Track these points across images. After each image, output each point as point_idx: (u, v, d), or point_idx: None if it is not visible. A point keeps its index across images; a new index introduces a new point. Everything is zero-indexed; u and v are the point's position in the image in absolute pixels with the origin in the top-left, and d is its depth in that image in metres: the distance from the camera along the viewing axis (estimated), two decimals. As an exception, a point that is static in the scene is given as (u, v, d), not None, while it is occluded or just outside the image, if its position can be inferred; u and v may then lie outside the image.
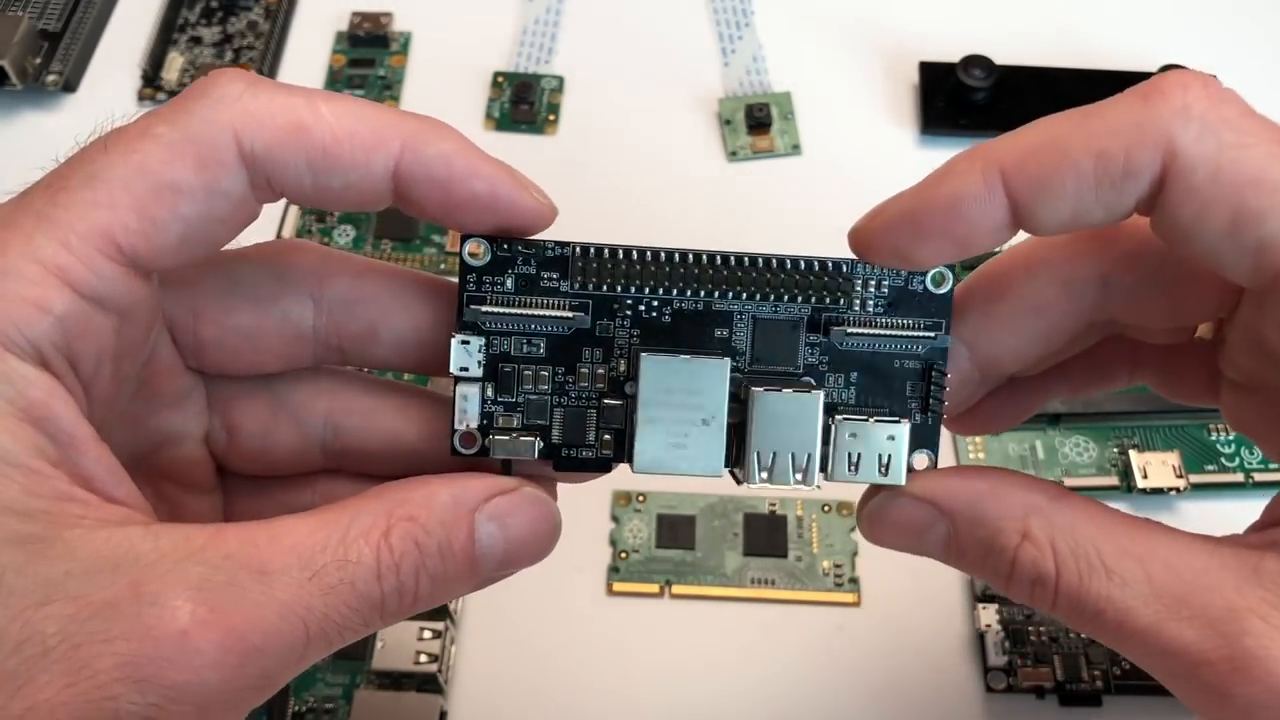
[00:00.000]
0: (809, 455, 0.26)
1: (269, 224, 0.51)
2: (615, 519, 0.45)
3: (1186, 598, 0.23)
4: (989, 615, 0.42)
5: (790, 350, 0.27)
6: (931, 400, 0.27)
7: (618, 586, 0.43)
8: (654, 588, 0.43)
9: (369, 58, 0.58)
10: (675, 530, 0.44)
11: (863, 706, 0.41)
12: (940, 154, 0.54)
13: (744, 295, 0.26)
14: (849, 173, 0.54)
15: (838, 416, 0.26)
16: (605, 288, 0.26)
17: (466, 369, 0.26)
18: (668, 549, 0.44)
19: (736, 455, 0.26)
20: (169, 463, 0.27)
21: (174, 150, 0.23)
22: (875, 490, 0.27)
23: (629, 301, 0.26)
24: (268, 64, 0.57)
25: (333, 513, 0.23)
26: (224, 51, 0.58)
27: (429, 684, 0.40)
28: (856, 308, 0.27)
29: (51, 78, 0.55)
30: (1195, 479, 0.45)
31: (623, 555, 0.44)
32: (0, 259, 0.22)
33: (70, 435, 0.22)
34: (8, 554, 0.20)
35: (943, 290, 0.27)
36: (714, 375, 0.26)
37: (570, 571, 0.44)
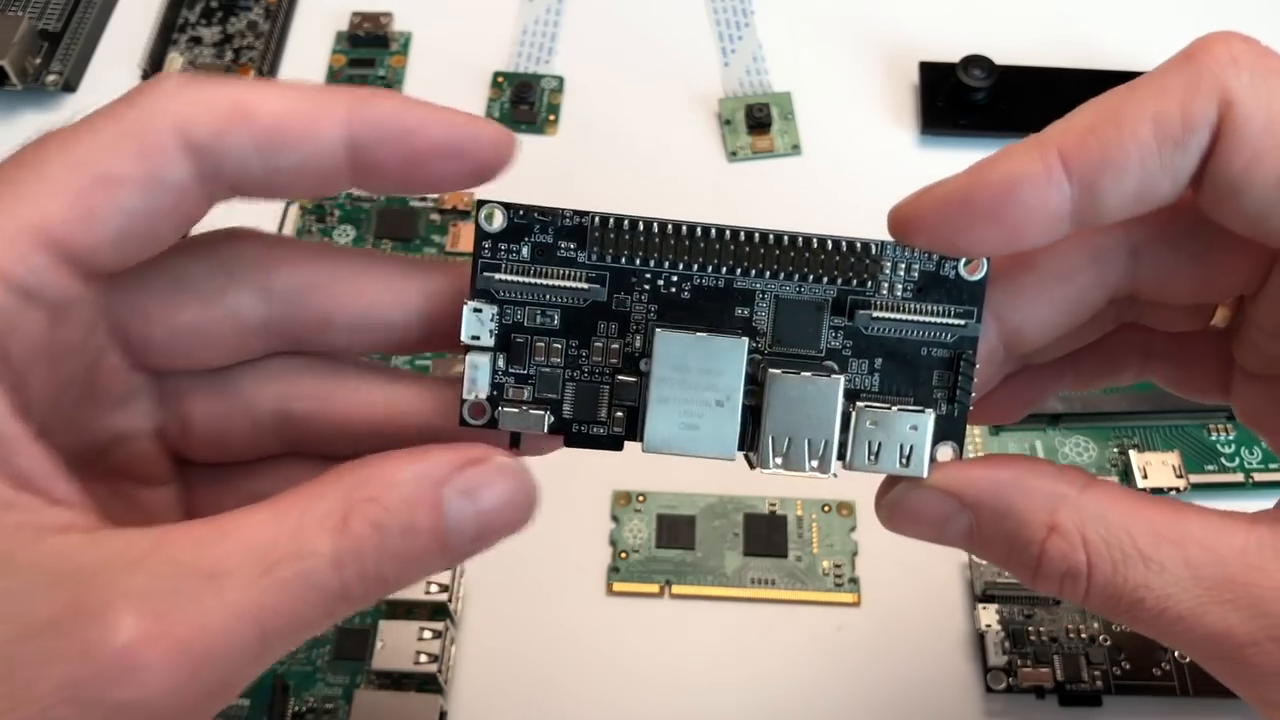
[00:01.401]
0: (826, 442, 0.25)
1: (270, 227, 0.51)
2: (615, 519, 0.45)
3: (1227, 580, 0.23)
4: (989, 615, 0.42)
5: (813, 333, 0.26)
6: (959, 390, 0.26)
7: (618, 586, 0.43)
8: (654, 588, 0.43)
9: (369, 58, 0.58)
10: (675, 530, 0.44)
11: (863, 706, 0.41)
12: (940, 154, 0.55)
13: (767, 274, 0.26)
14: (849, 173, 0.54)
15: (859, 403, 0.25)
16: (624, 260, 0.25)
17: (478, 337, 0.25)
18: (668, 549, 0.44)
19: (752, 439, 0.25)
20: (121, 461, 0.26)
21: (114, 142, 0.22)
22: (895, 480, 0.26)
23: (648, 275, 0.26)
24: (268, 64, 0.57)
25: (286, 501, 0.22)
26: (224, 51, 0.58)
27: (429, 684, 0.40)
28: (884, 291, 0.26)
29: (51, 78, 0.55)
30: (1195, 479, 0.45)
31: (623, 555, 0.44)
32: None
33: (1, 435, 0.21)
34: None
35: (977, 276, 0.25)
36: (731, 355, 0.25)
37: (570, 571, 0.44)
